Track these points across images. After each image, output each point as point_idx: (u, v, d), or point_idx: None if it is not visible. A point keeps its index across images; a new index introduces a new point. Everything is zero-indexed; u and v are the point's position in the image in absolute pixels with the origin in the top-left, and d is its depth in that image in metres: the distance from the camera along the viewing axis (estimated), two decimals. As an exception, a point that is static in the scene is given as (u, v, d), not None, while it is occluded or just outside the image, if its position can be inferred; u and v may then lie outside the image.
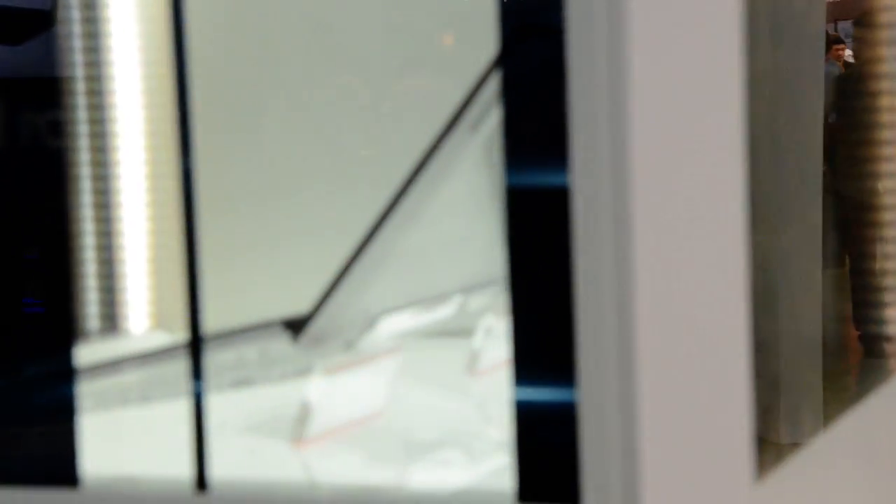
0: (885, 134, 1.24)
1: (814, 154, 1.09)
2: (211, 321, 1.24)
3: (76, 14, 1.46)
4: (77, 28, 1.47)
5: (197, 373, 1.02)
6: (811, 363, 1.06)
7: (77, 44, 1.47)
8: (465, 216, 1.09)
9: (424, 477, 1.02)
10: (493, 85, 0.97)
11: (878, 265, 1.26)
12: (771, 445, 0.88)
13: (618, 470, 0.78)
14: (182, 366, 1.08)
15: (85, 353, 1.37)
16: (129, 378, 1.08)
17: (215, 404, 1.12)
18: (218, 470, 1.02)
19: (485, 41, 1.00)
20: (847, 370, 1.23)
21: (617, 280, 0.80)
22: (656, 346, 0.79)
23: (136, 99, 1.52)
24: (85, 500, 0.94)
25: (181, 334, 1.42)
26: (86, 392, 1.07)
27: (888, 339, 1.29)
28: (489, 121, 0.98)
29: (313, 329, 1.03)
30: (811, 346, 1.06)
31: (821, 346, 1.08)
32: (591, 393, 0.79)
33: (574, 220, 0.82)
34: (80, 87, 1.49)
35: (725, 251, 0.83)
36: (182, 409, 1.10)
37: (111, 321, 1.50)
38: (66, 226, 1.48)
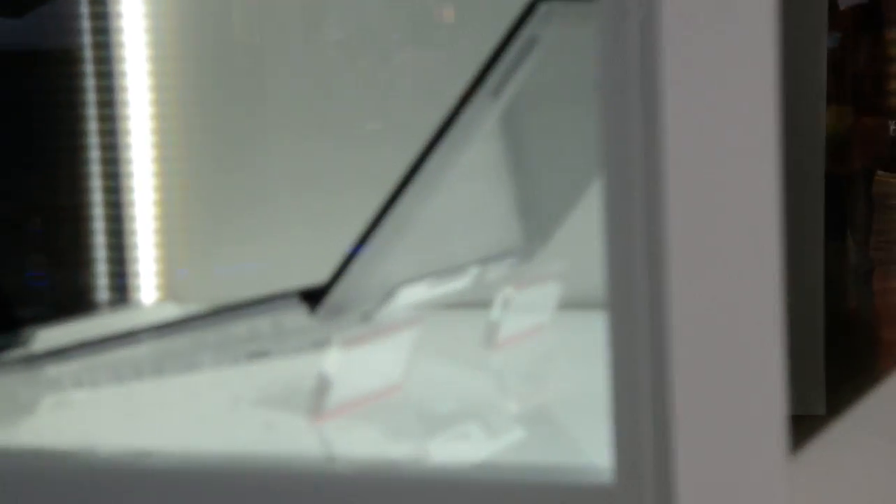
0: None
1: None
2: (226, 291, 1.23)
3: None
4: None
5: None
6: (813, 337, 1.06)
7: (83, 11, 1.46)
8: (483, 186, 1.09)
9: (443, 450, 1.01)
10: (515, 49, 0.96)
11: None
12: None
13: (650, 447, 0.77)
14: (195, 338, 1.07)
15: (94, 326, 1.37)
16: (142, 351, 1.08)
17: (230, 378, 1.11)
18: (234, 443, 1.01)
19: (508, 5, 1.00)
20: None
21: (649, 267, 0.79)
22: (689, 325, 0.78)
23: (145, 70, 1.51)
24: (99, 473, 0.93)
25: (191, 306, 1.42)
26: (98, 365, 1.07)
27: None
28: (510, 86, 0.97)
29: (330, 301, 1.02)
30: (813, 320, 1.07)
31: (822, 320, 1.08)
32: (623, 372, 0.78)
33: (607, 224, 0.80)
34: (87, 56, 1.48)
35: (758, 235, 0.83)
36: (196, 382, 1.10)
37: (120, 293, 1.50)
38: (73, 197, 1.48)
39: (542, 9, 0.95)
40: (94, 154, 1.48)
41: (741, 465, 0.81)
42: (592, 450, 0.82)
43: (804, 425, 0.90)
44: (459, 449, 1.00)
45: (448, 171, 0.99)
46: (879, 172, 1.79)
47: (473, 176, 1.04)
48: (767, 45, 0.85)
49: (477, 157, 1.01)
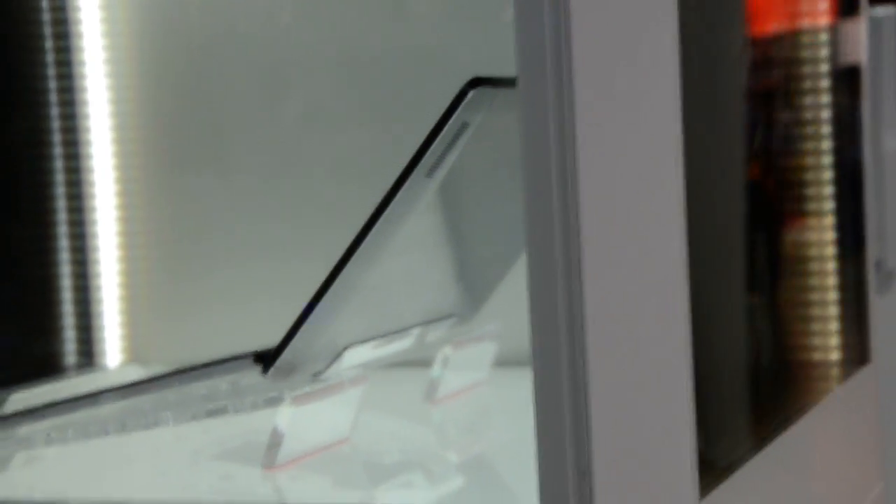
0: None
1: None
2: (186, 354, 1.30)
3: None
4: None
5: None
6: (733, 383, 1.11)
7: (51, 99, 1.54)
8: (422, 255, 1.15)
9: (388, 498, 1.07)
10: (449, 131, 1.03)
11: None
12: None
13: (573, 492, 0.84)
14: (158, 397, 1.13)
15: (63, 387, 1.43)
16: (107, 410, 1.13)
17: (190, 433, 1.17)
18: (195, 494, 1.07)
19: (439, 88, 1.07)
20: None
21: (570, 328, 0.85)
22: (605, 380, 0.85)
23: (110, 147, 1.57)
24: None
25: (154, 366, 1.48)
26: (67, 423, 1.12)
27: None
28: (444, 166, 1.04)
29: (281, 361, 1.08)
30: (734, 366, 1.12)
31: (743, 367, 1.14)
32: (548, 424, 0.85)
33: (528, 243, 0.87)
34: (57, 151, 1.55)
35: (667, 279, 0.88)
36: (158, 438, 1.16)
37: (87, 356, 1.55)
38: (42, 265, 1.54)
39: (472, 96, 1.01)
40: (63, 230, 1.55)
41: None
42: (525, 495, 0.88)
43: (713, 470, 0.95)
44: (403, 496, 1.07)
45: (389, 242, 1.05)
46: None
47: (413, 246, 1.10)
48: (674, 125, 0.91)
49: (415, 229, 1.07)
